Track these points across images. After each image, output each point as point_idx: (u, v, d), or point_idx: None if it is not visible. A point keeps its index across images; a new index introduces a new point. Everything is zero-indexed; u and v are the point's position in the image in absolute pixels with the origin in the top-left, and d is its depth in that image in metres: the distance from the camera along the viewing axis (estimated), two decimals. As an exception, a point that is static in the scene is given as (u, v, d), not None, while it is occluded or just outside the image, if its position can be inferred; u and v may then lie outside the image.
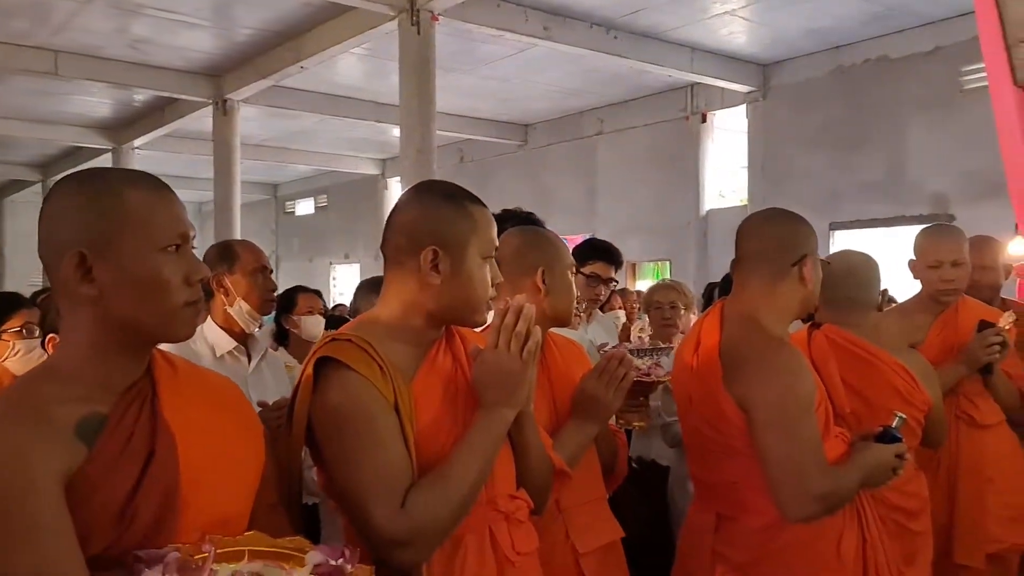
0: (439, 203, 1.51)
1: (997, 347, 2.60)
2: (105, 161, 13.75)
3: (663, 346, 2.67)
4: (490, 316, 1.56)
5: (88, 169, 1.25)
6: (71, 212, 1.13)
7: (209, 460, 1.17)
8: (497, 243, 1.56)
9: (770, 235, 2.01)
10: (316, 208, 19.01)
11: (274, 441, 1.46)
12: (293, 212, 19.82)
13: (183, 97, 11.15)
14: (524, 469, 1.58)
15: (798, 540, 1.86)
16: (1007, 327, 2.65)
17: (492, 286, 1.53)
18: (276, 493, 1.31)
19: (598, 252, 2.95)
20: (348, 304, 6.64)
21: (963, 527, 2.58)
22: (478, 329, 1.65)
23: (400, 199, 1.57)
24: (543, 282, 1.95)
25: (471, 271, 1.49)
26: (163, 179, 1.22)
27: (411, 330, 1.51)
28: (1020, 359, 2.83)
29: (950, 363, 2.63)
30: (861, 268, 2.40)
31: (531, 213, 2.75)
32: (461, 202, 1.52)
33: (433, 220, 1.49)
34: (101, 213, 1.12)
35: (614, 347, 2.53)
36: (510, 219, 2.32)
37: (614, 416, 2.38)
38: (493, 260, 1.54)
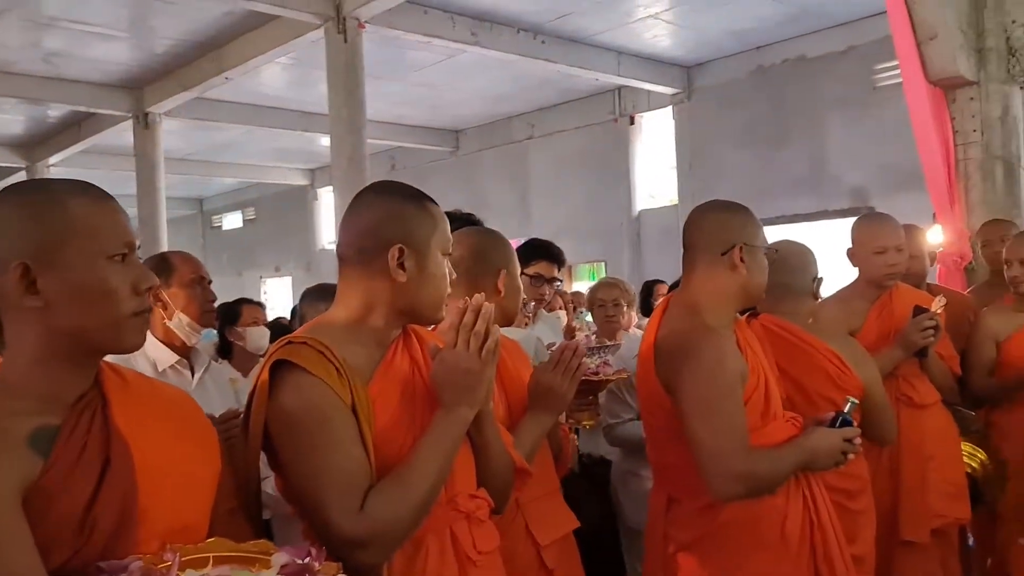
0: (402, 203, 1.53)
1: (931, 331, 2.70)
2: (18, 180, 13.22)
3: (610, 344, 2.71)
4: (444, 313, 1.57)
5: (27, 180, 1.24)
6: (13, 224, 1.11)
7: (165, 468, 1.15)
8: (452, 241, 1.59)
9: (703, 225, 2.08)
10: (244, 221, 18.65)
11: (229, 450, 1.43)
12: (220, 226, 19.40)
13: (101, 111, 10.84)
14: (485, 468, 1.58)
15: (737, 520, 1.92)
16: (939, 311, 2.77)
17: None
18: (234, 499, 1.30)
19: (541, 252, 2.97)
20: (286, 317, 6.52)
21: (908, 504, 2.65)
22: (431, 328, 1.65)
23: (357, 201, 1.57)
24: (503, 283, 1.98)
25: (434, 268, 1.52)
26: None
27: (370, 331, 1.50)
28: (950, 341, 2.95)
29: (887, 348, 2.72)
30: (794, 256, 2.46)
31: (471, 214, 2.75)
32: (421, 201, 1.55)
33: (398, 219, 1.51)
34: (44, 223, 1.10)
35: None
36: (454, 220, 2.33)
37: (564, 414, 2.41)
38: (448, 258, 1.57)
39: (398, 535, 1.38)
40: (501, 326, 1.98)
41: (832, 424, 1.98)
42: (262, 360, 1.54)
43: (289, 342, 1.44)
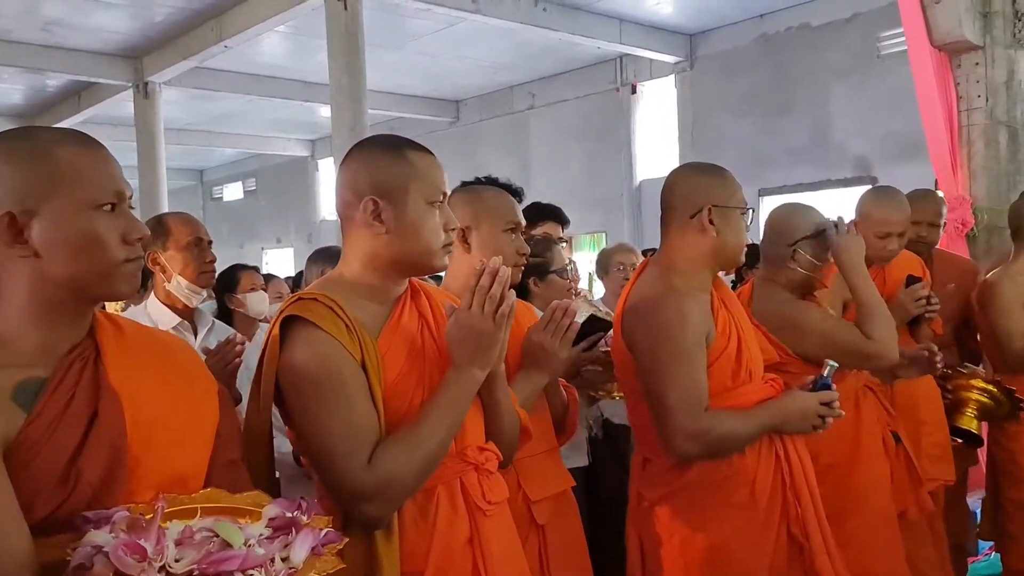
0: (376, 153, 1.51)
1: (924, 300, 2.71)
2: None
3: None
4: (447, 261, 1.56)
5: (13, 128, 1.20)
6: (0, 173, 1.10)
7: (159, 418, 1.15)
8: (445, 188, 1.53)
9: (675, 188, 2.09)
10: (244, 192, 18.59)
11: (229, 384, 1.41)
12: (221, 197, 19.35)
13: (100, 81, 10.78)
14: (493, 425, 1.61)
15: (704, 479, 1.94)
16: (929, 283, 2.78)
17: (446, 231, 1.52)
18: (236, 449, 1.28)
19: (546, 213, 2.99)
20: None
21: None
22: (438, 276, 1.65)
23: (344, 158, 1.56)
24: (465, 241, 1.98)
25: (416, 217, 1.48)
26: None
27: (373, 287, 1.51)
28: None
29: None
30: None
31: (510, 183, 2.68)
32: (398, 149, 1.51)
33: (370, 170, 1.50)
34: (30, 172, 1.09)
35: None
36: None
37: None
38: (445, 205, 1.53)
39: (403, 490, 1.40)
40: None
41: (812, 388, 1.98)
42: (268, 321, 1.54)
43: (300, 298, 1.46)
